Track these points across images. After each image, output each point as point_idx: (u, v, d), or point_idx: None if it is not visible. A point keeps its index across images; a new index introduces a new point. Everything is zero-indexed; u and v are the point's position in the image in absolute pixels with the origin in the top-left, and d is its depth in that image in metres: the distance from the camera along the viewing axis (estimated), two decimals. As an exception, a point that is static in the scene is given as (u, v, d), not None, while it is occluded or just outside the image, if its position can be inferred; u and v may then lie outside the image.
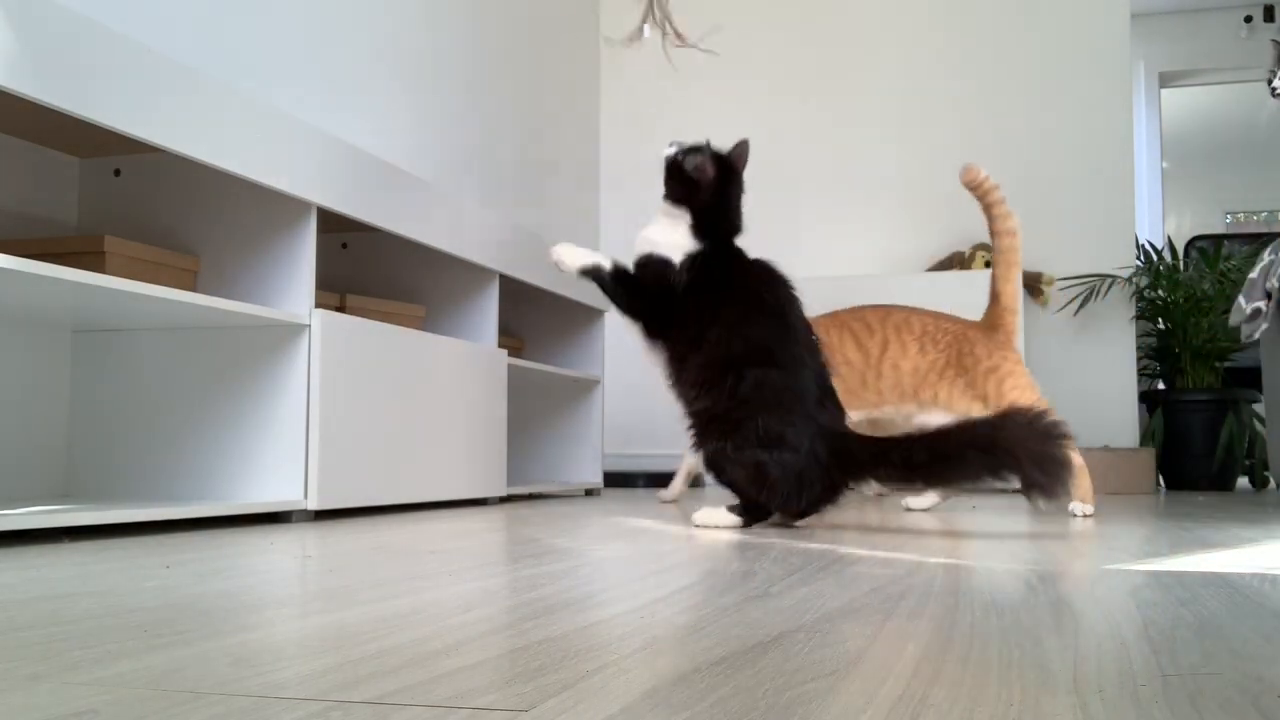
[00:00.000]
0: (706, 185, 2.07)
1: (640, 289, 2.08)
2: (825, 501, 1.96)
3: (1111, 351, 4.24)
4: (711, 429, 1.98)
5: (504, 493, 2.91)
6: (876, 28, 4.61)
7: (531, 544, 1.65)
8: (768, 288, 2.04)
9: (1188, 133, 7.08)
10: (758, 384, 1.94)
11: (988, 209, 2.66)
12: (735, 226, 2.11)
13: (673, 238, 2.07)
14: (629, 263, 2.13)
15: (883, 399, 2.62)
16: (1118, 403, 4.20)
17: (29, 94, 1.52)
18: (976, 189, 2.64)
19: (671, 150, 2.14)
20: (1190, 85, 6.50)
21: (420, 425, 2.49)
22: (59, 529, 1.64)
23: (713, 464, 1.98)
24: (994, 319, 2.65)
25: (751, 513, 1.99)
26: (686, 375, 2.02)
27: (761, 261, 2.09)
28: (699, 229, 2.06)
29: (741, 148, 2.11)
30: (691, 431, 2.02)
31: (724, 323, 1.99)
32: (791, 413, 1.93)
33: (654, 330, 2.07)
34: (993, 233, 2.66)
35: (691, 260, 2.04)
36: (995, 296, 2.66)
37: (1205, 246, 5.03)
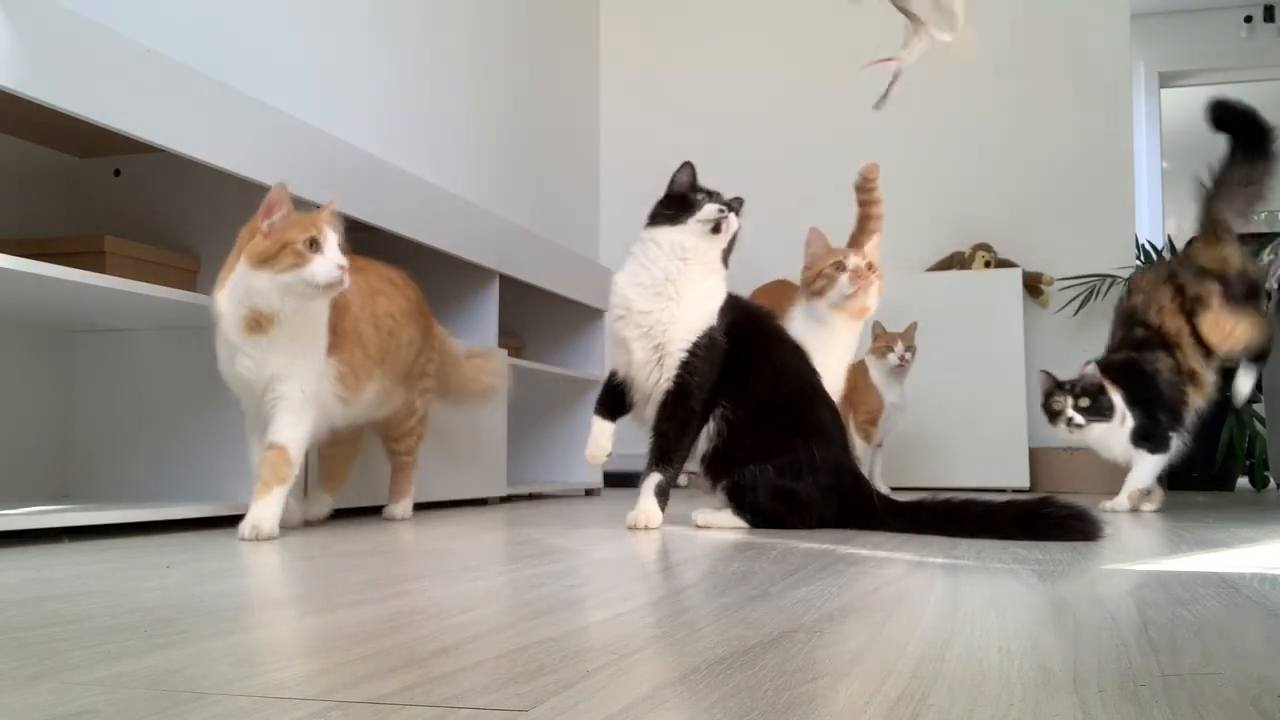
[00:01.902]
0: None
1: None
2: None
3: (1111, 351, 4.24)
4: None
5: (504, 493, 2.91)
6: (876, 29, 4.60)
7: (531, 544, 1.65)
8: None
9: (1188, 133, 7.07)
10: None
11: (865, 218, 2.77)
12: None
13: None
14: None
15: None
16: (1118, 403, 4.20)
17: (29, 94, 1.52)
18: (866, 191, 2.74)
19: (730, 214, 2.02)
20: (1190, 85, 6.50)
21: (420, 425, 2.49)
22: (59, 529, 1.64)
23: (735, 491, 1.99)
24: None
25: (756, 515, 1.98)
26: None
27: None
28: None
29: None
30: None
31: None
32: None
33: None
34: (856, 238, 2.76)
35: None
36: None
37: (1205, 246, 5.02)
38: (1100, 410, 2.60)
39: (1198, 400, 2.60)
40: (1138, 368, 2.61)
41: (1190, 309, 2.58)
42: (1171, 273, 2.65)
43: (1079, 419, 2.60)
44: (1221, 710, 0.60)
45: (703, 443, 2.01)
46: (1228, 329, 2.55)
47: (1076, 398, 2.61)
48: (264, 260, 1.69)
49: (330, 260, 1.69)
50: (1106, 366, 2.65)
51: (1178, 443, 2.62)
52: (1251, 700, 0.63)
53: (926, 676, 0.69)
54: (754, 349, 2.04)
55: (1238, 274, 2.57)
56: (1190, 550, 1.58)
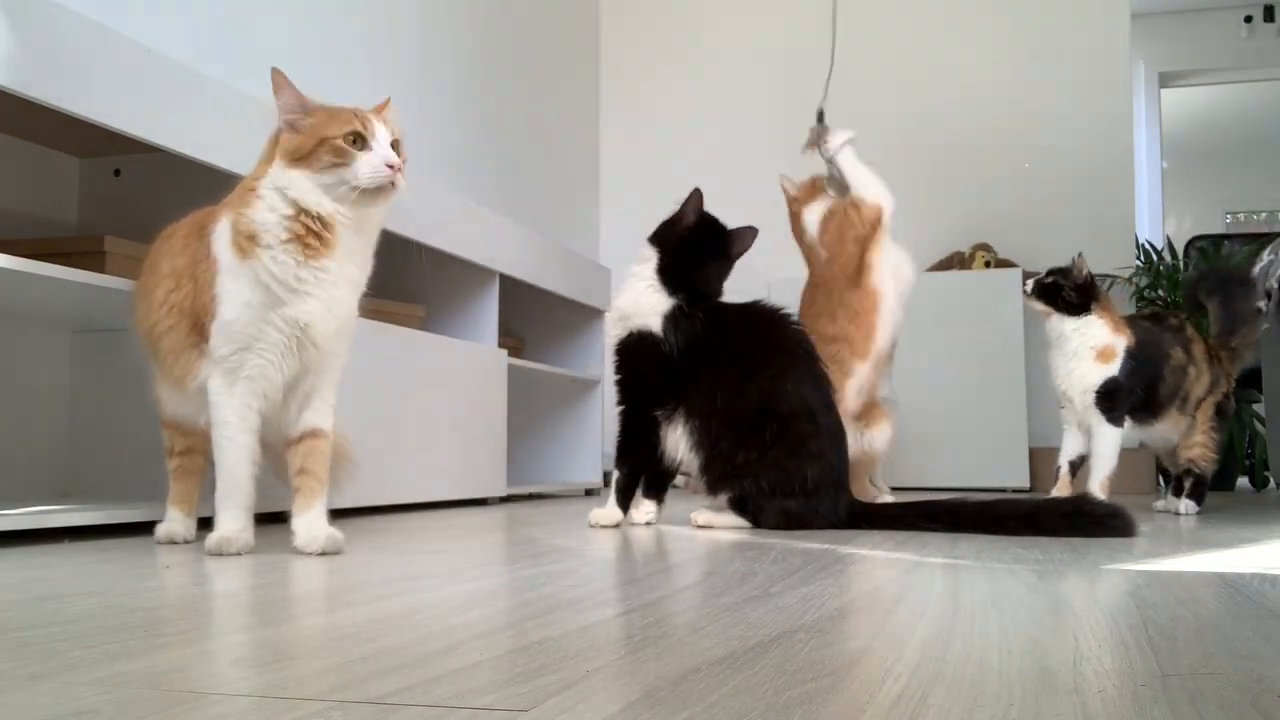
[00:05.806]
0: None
1: None
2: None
3: (1111, 351, 4.24)
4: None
5: (504, 493, 2.91)
6: (877, 30, 4.60)
7: (531, 544, 1.65)
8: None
9: (1188, 133, 7.08)
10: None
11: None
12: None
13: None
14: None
15: None
16: (1118, 403, 4.20)
17: (29, 94, 1.52)
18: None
19: None
20: (1190, 85, 6.50)
21: (420, 425, 2.49)
22: (59, 529, 1.64)
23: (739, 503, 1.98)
24: None
25: (757, 520, 1.98)
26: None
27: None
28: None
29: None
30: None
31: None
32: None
33: None
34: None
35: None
36: None
37: (1205, 246, 5.03)
38: (1052, 296, 2.45)
39: (1177, 423, 2.49)
40: (1156, 337, 2.47)
41: (1215, 358, 2.51)
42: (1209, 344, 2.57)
43: (1028, 287, 2.49)
44: (1221, 710, 0.60)
45: (687, 454, 2.00)
46: (1199, 432, 2.49)
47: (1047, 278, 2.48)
48: (298, 159, 1.34)
49: (378, 157, 1.36)
50: (1131, 317, 2.56)
51: (1129, 428, 2.47)
52: (1251, 700, 0.63)
53: (926, 676, 0.69)
54: (725, 363, 1.99)
55: (1227, 396, 2.53)
56: (1190, 550, 1.58)
